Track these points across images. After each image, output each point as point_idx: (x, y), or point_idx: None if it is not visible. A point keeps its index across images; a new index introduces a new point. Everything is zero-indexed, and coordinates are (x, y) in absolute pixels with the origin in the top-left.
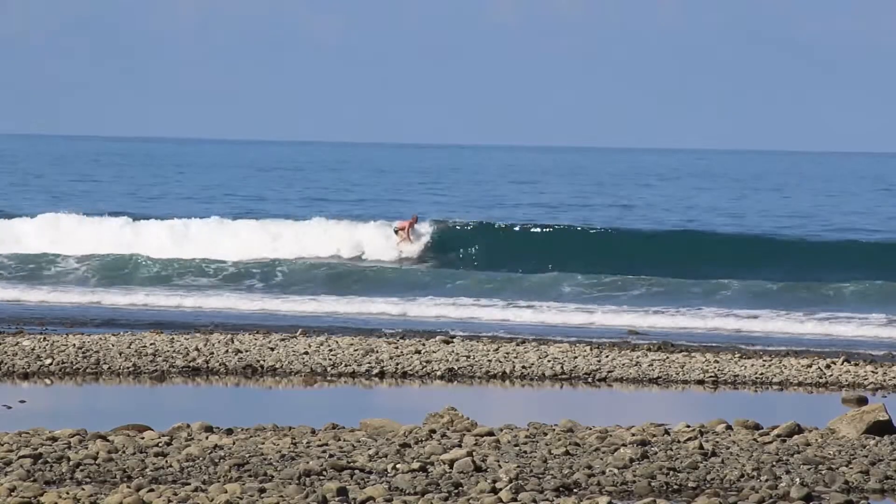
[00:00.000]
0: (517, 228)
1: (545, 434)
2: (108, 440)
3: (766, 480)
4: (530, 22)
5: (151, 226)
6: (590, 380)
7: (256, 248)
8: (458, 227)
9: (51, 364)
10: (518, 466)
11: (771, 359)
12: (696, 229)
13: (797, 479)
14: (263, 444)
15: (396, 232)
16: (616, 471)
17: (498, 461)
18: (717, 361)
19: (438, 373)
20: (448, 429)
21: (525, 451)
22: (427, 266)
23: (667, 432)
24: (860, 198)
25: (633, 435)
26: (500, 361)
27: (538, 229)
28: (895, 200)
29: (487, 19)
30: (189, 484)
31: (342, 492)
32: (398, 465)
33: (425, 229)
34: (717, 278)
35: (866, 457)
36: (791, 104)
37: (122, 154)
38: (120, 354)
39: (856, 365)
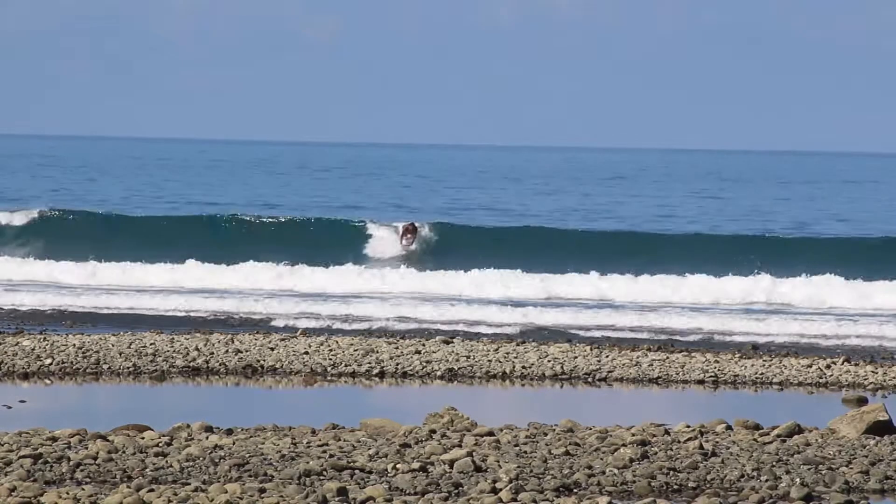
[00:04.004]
0: None
1: (545, 434)
2: (108, 440)
3: (766, 480)
4: (529, 21)
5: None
6: (590, 380)
7: None
8: None
9: (51, 364)
10: (518, 466)
11: (771, 359)
12: None
13: (797, 479)
14: (263, 444)
15: None
16: (616, 471)
17: (498, 461)
18: (717, 361)
19: (438, 373)
20: (448, 429)
21: (525, 451)
22: None
23: (667, 432)
24: None
25: (633, 435)
26: (500, 361)
27: None
28: None
29: (486, 19)
30: (189, 484)
31: (342, 492)
32: (398, 465)
33: None
34: None
35: (866, 457)
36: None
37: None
38: (120, 354)
39: (856, 365)
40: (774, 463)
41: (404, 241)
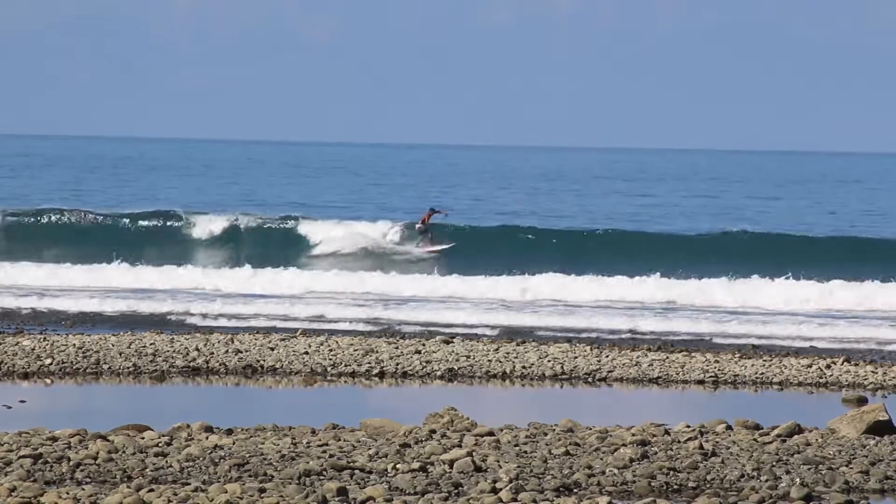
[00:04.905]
0: None
1: (545, 434)
2: (108, 440)
3: (766, 480)
4: (529, 21)
5: None
6: (590, 380)
7: None
8: None
9: (51, 364)
10: (518, 466)
11: (771, 359)
12: None
13: (797, 479)
14: (263, 444)
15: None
16: (616, 471)
17: (498, 461)
18: (717, 361)
19: (438, 373)
20: (448, 429)
21: (525, 451)
22: None
23: (667, 432)
24: None
25: (633, 435)
26: (500, 361)
27: None
28: None
29: (485, 19)
30: (189, 484)
31: (342, 492)
32: (398, 465)
33: None
34: None
35: (866, 457)
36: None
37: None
38: (120, 354)
39: (856, 365)
40: (774, 463)
41: (425, 237)
